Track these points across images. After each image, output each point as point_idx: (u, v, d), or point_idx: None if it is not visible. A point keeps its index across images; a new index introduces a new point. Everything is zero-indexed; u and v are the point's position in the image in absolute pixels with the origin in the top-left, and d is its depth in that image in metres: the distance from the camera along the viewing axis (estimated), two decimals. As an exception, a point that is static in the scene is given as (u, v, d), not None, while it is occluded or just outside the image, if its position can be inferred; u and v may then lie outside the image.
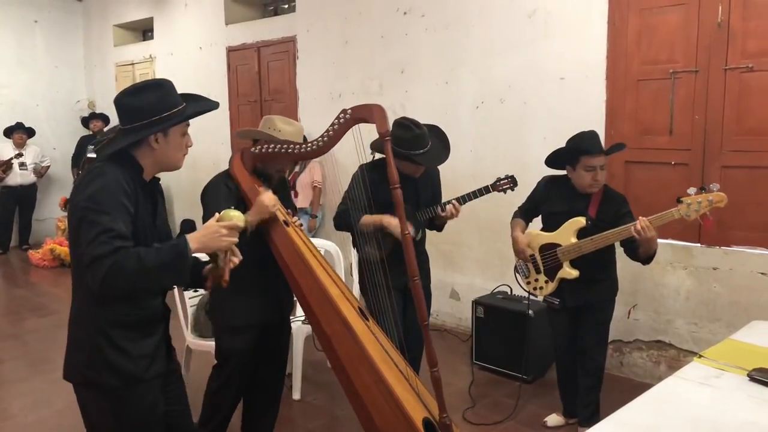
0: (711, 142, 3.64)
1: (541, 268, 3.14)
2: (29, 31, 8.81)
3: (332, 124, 2.43)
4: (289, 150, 2.55)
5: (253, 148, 2.65)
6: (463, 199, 3.08)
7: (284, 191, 2.95)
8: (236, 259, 1.94)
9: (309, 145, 2.51)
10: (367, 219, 2.95)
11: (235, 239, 1.90)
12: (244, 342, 2.77)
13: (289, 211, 2.77)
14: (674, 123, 3.77)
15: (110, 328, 1.86)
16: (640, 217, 2.79)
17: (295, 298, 3.03)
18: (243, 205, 2.59)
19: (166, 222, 2.12)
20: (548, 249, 3.09)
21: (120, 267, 1.71)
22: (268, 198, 2.52)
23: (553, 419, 3.40)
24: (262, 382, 2.93)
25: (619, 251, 3.11)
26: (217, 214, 1.92)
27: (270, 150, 2.59)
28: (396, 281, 2.83)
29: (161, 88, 1.94)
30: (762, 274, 3.48)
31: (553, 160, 3.13)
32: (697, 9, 3.63)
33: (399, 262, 2.91)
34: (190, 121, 2.02)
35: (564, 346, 3.27)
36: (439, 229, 3.26)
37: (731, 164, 3.59)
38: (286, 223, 2.62)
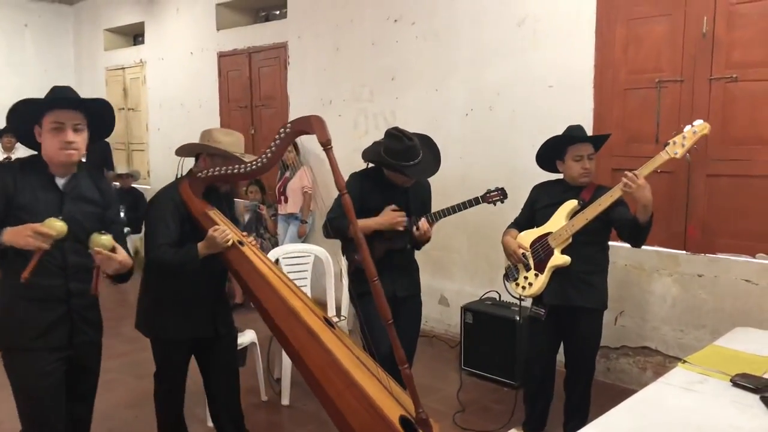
0: (696, 151, 3.68)
1: (531, 264, 3.08)
2: (19, 34, 8.81)
3: (274, 140, 2.47)
4: (236, 170, 2.57)
5: (200, 173, 2.66)
6: (452, 210, 3.03)
7: (231, 211, 2.93)
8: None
9: (253, 162, 2.54)
10: (361, 223, 2.94)
11: (40, 244, 2.00)
12: (175, 354, 2.77)
13: (245, 233, 2.77)
14: (660, 131, 3.82)
15: (13, 300, 2.22)
16: (626, 172, 2.74)
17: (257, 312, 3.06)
18: (189, 224, 2.62)
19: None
20: (538, 241, 3.06)
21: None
22: (219, 234, 2.50)
23: None
24: (214, 389, 2.91)
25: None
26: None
27: (216, 173, 2.61)
28: (385, 288, 2.84)
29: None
30: (746, 281, 3.53)
31: (543, 157, 3.14)
32: (682, 19, 3.68)
33: (388, 268, 2.93)
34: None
35: (541, 359, 3.18)
36: (417, 247, 3.20)
37: (716, 173, 3.64)
38: (241, 243, 2.62)
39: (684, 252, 3.77)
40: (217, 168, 2.62)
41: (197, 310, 2.73)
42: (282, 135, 2.45)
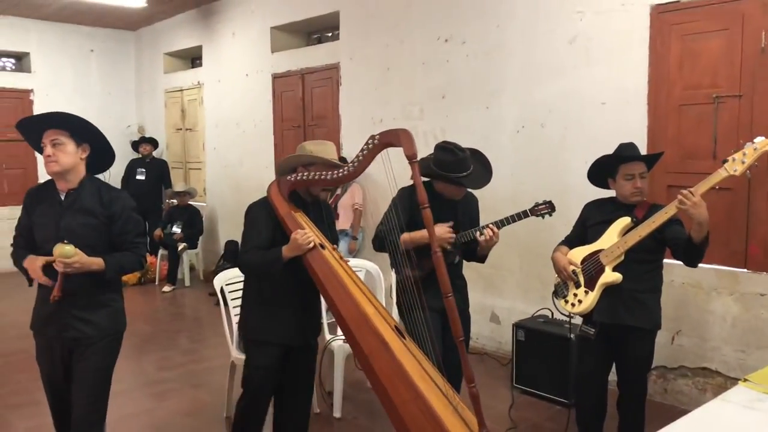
0: (756, 168, 3.60)
1: (581, 281, 3.04)
2: (86, 59, 9.26)
3: (361, 150, 2.53)
4: (322, 176, 2.67)
5: (289, 177, 2.76)
6: (501, 224, 3.05)
7: (329, 218, 3.03)
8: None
9: (340, 171, 2.63)
10: (405, 237, 2.97)
11: (46, 280, 2.48)
12: (267, 357, 2.83)
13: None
14: (718, 147, 3.75)
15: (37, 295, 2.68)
16: (682, 190, 2.70)
17: (326, 322, 3.08)
18: (280, 230, 2.72)
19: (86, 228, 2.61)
20: (589, 258, 3.03)
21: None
22: (301, 237, 2.60)
23: None
24: (287, 405, 2.97)
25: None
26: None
27: (304, 177, 2.71)
28: (434, 302, 2.84)
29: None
30: (811, 301, 3.41)
31: (595, 175, 3.13)
32: (740, 34, 3.63)
33: (437, 283, 2.96)
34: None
35: (591, 378, 3.13)
36: (481, 260, 3.22)
37: (777, 189, 3.55)
38: (322, 246, 2.70)
39: (745, 270, 3.67)
40: (305, 173, 2.72)
41: (289, 318, 2.82)
42: (370, 146, 2.50)
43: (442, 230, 2.99)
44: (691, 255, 2.86)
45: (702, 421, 1.95)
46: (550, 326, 4.09)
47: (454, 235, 3.03)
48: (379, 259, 4.25)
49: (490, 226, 3.03)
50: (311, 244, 2.63)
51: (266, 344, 2.83)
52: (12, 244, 2.67)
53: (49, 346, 2.66)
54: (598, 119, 4.28)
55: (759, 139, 2.63)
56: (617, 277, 2.92)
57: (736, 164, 2.62)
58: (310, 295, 2.84)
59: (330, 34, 6.89)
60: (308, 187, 2.82)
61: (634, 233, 2.87)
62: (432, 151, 3.12)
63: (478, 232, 3.03)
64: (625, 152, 3.01)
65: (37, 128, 2.56)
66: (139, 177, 8.29)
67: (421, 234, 2.97)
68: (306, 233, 2.62)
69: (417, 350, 2.63)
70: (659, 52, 3.97)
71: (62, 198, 2.59)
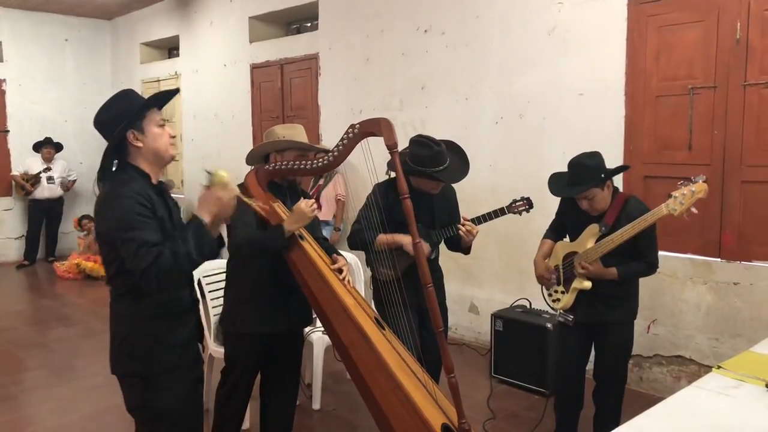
0: (730, 158, 3.65)
1: (561, 279, 3.10)
2: (60, 49, 9.09)
3: (342, 139, 2.50)
4: (301, 166, 2.63)
5: (267, 166, 2.72)
6: (477, 221, 3.05)
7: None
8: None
9: (320, 160, 2.60)
10: (382, 238, 2.96)
11: (234, 193, 2.07)
12: (249, 349, 2.81)
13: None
14: (693, 138, 3.79)
15: (147, 322, 2.07)
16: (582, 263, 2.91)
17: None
18: (257, 221, 2.66)
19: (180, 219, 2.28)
20: (569, 257, 3.06)
21: (164, 269, 1.93)
22: (305, 204, 2.59)
23: None
24: (275, 394, 2.96)
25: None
26: (205, 181, 2.09)
27: (283, 166, 2.67)
28: (411, 299, 2.84)
29: (125, 95, 2.13)
30: (783, 289, 3.47)
31: None
32: (715, 26, 3.66)
33: (414, 280, 2.94)
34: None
35: (571, 367, 3.15)
36: (466, 251, 3.20)
37: (751, 179, 3.60)
38: (302, 237, 2.68)
39: (719, 260, 3.72)
40: (285, 162, 2.67)
41: (273, 307, 2.78)
42: (350, 135, 2.47)
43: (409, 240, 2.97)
44: None
45: (677, 407, 1.97)
46: (529, 316, 4.11)
47: (430, 250, 3.02)
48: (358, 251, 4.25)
49: (466, 222, 3.03)
50: (315, 212, 2.61)
51: (247, 336, 2.80)
52: None
53: None
54: (576, 110, 4.30)
55: (698, 181, 2.66)
56: (587, 285, 2.96)
57: (677, 204, 2.68)
58: (291, 279, 2.77)
59: (309, 24, 6.83)
60: (286, 176, 2.79)
61: (598, 248, 2.89)
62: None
63: (458, 227, 3.04)
64: (551, 188, 3.02)
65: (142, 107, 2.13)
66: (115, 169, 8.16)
67: (396, 238, 2.95)
68: (311, 202, 2.60)
69: (396, 341, 2.62)
70: (636, 44, 4.00)
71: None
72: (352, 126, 2.47)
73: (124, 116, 2.04)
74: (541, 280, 3.16)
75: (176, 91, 2.27)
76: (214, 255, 2.09)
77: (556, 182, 3.06)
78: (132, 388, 2.11)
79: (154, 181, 2.14)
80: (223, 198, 2.05)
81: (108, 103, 2.11)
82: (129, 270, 1.95)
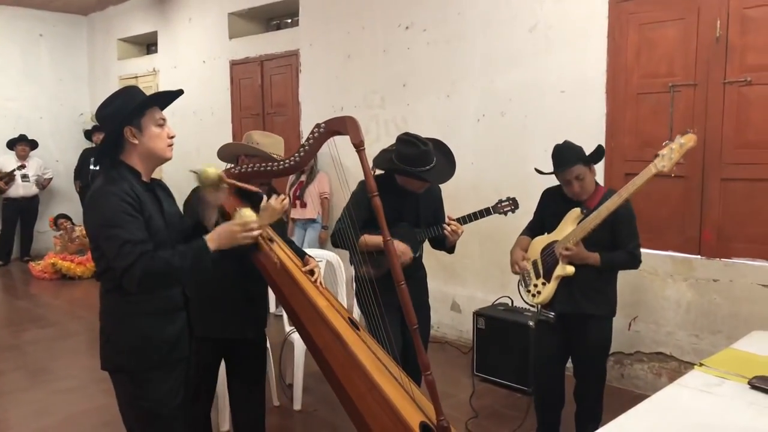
0: (710, 155, 3.67)
1: (540, 271, 3.08)
2: (34, 44, 8.91)
3: (307, 139, 2.46)
4: (268, 168, 2.56)
5: (233, 169, 2.67)
6: (462, 221, 3.03)
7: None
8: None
9: (286, 161, 2.54)
10: (369, 240, 2.92)
11: (252, 234, 2.12)
12: (205, 353, 2.72)
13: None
14: (674, 135, 3.75)
15: (134, 318, 2.06)
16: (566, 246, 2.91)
17: (281, 314, 2.98)
18: (226, 220, 2.58)
19: (180, 216, 2.28)
20: (547, 248, 3.06)
21: (151, 272, 1.94)
22: (277, 202, 2.54)
23: None
24: (238, 398, 2.90)
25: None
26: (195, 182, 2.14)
27: (249, 169, 2.61)
28: (393, 298, 2.81)
29: (127, 92, 2.13)
30: (762, 285, 3.50)
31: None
32: (695, 24, 3.67)
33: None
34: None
35: (549, 365, 3.15)
36: (450, 250, 3.18)
37: (731, 177, 3.62)
38: (271, 240, 2.62)
39: (699, 257, 3.74)
40: (250, 165, 2.60)
41: (227, 313, 2.72)
42: (316, 134, 2.43)
43: (402, 247, 2.93)
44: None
45: (661, 406, 1.97)
46: (510, 314, 4.11)
47: (411, 255, 2.99)
48: (339, 249, 4.21)
49: (451, 222, 3.00)
50: (285, 207, 2.56)
51: (203, 340, 2.72)
52: None
53: None
54: (557, 107, 4.30)
55: (686, 135, 2.67)
56: (570, 270, 2.95)
57: (665, 160, 2.66)
58: (252, 287, 2.74)
59: (289, 20, 6.77)
60: (252, 179, 2.72)
61: (581, 227, 2.89)
62: (392, 140, 3.06)
63: (444, 226, 3.02)
64: (554, 160, 2.99)
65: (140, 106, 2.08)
66: (93, 167, 8.03)
67: (376, 240, 2.86)
68: (283, 197, 2.55)
69: (372, 342, 2.60)
70: (617, 41, 4.00)
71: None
72: (318, 125, 2.44)
73: (123, 112, 2.03)
74: (516, 267, 3.14)
75: (180, 92, 2.24)
76: (207, 275, 2.12)
77: (553, 157, 3.03)
78: (120, 384, 2.11)
79: (145, 178, 2.12)
80: (237, 235, 2.10)
81: (110, 99, 2.11)
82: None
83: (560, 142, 3.06)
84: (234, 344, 2.79)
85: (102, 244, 1.97)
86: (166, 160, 2.16)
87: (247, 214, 2.12)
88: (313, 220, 5.76)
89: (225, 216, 2.59)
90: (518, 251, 3.18)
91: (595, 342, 3.03)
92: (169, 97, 2.18)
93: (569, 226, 2.96)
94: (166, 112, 2.18)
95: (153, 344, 2.07)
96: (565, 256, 2.91)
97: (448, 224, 3.00)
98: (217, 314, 2.69)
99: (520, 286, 3.23)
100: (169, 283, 2.08)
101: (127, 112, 2.03)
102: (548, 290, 3.03)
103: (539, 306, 3.12)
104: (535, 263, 3.12)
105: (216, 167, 2.19)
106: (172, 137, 2.15)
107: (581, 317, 2.99)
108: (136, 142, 2.06)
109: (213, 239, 2.07)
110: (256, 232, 2.13)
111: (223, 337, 2.75)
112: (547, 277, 3.05)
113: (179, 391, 2.17)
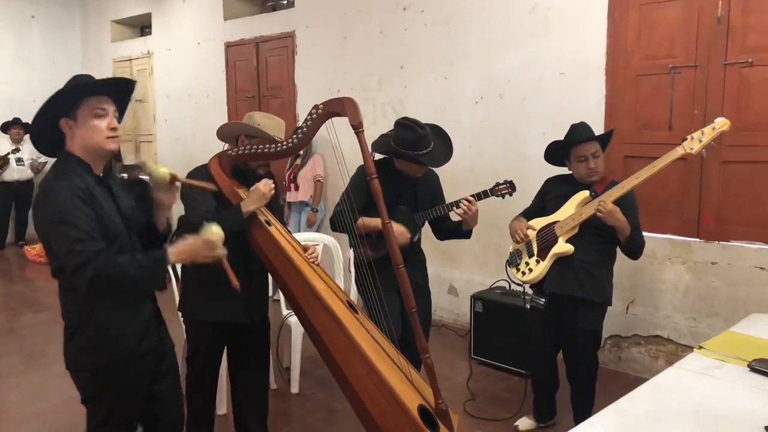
0: (713, 147, 3.63)
1: (534, 250, 3.06)
2: (27, 26, 8.79)
3: (305, 121, 2.43)
4: (266, 149, 2.53)
5: (230, 151, 2.63)
6: (457, 205, 2.98)
7: (275, 193, 2.90)
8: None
9: (284, 143, 2.51)
10: (368, 222, 2.90)
11: (215, 253, 2.04)
12: (208, 337, 2.73)
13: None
14: (674, 118, 3.77)
15: (97, 314, 1.98)
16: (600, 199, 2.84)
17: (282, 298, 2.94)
18: (221, 202, 2.56)
19: (137, 211, 2.17)
20: (545, 229, 3.04)
21: (104, 276, 1.84)
22: (263, 185, 2.51)
23: (525, 423, 3.29)
24: (242, 382, 2.88)
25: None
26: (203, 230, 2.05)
27: (246, 151, 2.58)
28: (394, 282, 2.80)
29: (72, 79, 2.00)
30: (760, 268, 3.49)
31: (550, 157, 3.12)
32: (697, 4, 3.63)
33: None
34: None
35: (542, 350, 3.16)
36: (467, 236, 3.12)
37: (730, 159, 3.60)
38: (269, 223, 2.60)
39: (697, 240, 3.73)
40: (247, 146, 2.57)
41: (231, 297, 2.64)
42: (314, 116, 2.39)
43: (399, 230, 2.89)
44: (626, 251, 3.00)
45: (661, 389, 1.96)
46: (508, 297, 4.10)
47: (410, 236, 2.97)
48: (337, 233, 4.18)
49: (466, 199, 2.94)
50: (271, 192, 2.53)
51: (206, 324, 2.70)
52: None
53: None
54: (556, 90, 4.26)
55: (719, 120, 2.68)
56: (569, 248, 2.93)
57: (694, 143, 2.67)
58: (253, 271, 2.69)
59: (285, 2, 6.68)
60: (248, 161, 2.69)
61: (589, 206, 2.88)
62: (390, 123, 3.03)
63: (447, 208, 3.00)
64: (574, 134, 2.98)
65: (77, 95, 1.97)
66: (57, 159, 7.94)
67: (375, 223, 2.85)
68: (268, 182, 2.52)
69: (371, 325, 2.59)
70: (617, 22, 3.95)
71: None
72: (316, 107, 2.40)
73: (57, 100, 1.91)
74: (517, 234, 3.10)
75: (131, 81, 2.12)
76: (158, 288, 2.11)
77: (573, 130, 3.03)
78: (82, 382, 2.05)
79: (96, 171, 2.00)
80: (200, 253, 2.03)
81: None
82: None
83: (559, 124, 3.05)
84: (238, 329, 2.76)
85: (52, 241, 1.87)
86: (109, 152, 2.00)
87: (214, 230, 2.04)
88: (305, 204, 5.72)
89: (219, 199, 2.56)
90: (522, 221, 3.15)
91: (584, 328, 2.97)
92: (120, 86, 2.05)
93: (573, 208, 2.95)
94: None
95: (116, 339, 2.00)
96: (602, 210, 2.80)
97: (462, 201, 2.93)
98: (215, 298, 2.65)
99: (508, 266, 3.21)
100: (120, 290, 1.95)
101: (60, 102, 1.91)
102: (541, 268, 3.01)
103: (530, 296, 3.12)
104: (529, 243, 3.10)
105: (168, 167, 2.11)
106: (113, 128, 1.98)
107: (571, 301, 2.96)
108: (71, 133, 1.95)
109: (174, 253, 1.99)
110: (219, 252, 2.05)
111: (228, 322, 2.71)
112: (542, 255, 3.03)
113: (149, 384, 2.12)
